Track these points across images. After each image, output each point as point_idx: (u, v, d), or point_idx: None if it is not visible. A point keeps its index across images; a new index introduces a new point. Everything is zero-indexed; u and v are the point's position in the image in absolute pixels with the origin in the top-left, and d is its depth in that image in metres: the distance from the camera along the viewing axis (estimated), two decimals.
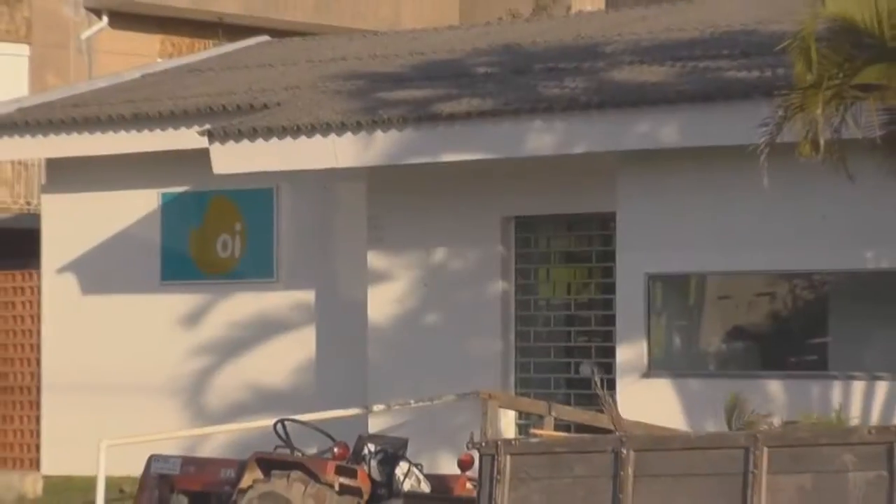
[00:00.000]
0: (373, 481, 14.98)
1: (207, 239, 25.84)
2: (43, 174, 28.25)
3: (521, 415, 19.75)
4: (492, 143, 21.79)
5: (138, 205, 26.10)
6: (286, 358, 24.83)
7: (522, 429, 19.79)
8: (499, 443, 13.97)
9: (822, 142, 16.78)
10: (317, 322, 24.84)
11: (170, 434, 22.30)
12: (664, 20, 25.77)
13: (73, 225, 26.65)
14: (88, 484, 21.05)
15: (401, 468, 15.25)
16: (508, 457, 13.72)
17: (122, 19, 35.83)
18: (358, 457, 15.20)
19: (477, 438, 14.46)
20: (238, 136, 23.31)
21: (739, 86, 20.53)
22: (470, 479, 14.28)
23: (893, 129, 17.59)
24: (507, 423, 15.52)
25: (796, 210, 19.68)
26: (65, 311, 26.80)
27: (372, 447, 15.33)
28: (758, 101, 18.90)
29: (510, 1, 36.91)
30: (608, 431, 14.65)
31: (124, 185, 26.00)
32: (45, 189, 27.78)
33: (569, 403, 19.40)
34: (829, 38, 17.08)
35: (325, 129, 22.74)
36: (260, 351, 25.10)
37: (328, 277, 24.66)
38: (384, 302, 23.47)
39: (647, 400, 20.02)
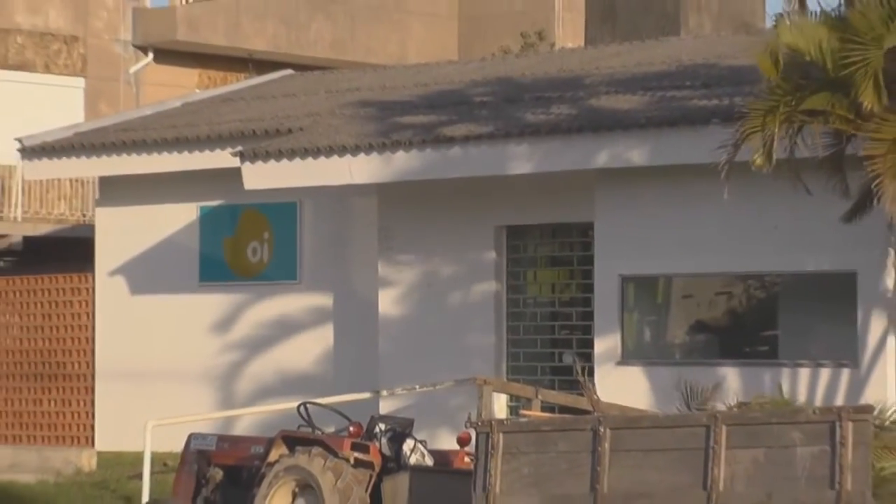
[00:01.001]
0: (383, 456, 14.97)
1: (239, 246, 25.83)
2: (97, 190, 28.26)
3: (512, 398, 19.70)
4: (486, 162, 21.78)
5: (179, 216, 26.12)
6: (307, 350, 24.83)
7: (513, 410, 19.75)
8: (493, 422, 14.03)
9: (774, 157, 16.88)
10: (334, 319, 24.81)
11: (207, 415, 22.38)
12: (636, 56, 25.74)
13: (122, 234, 26.65)
14: (136, 459, 21.07)
15: (407, 444, 15.24)
16: (501, 434, 13.80)
17: (165, 56, 35.81)
18: (370, 435, 15.19)
19: (474, 419, 14.50)
20: (266, 156, 23.35)
21: (701, 112, 20.50)
22: (468, 454, 14.29)
23: (836, 150, 17.66)
24: (500, 406, 15.56)
25: (751, 220, 19.67)
26: (115, 308, 26.80)
27: (382, 426, 15.32)
28: (717, 126, 18.87)
29: (502, 39, 36.89)
30: (587, 412, 14.71)
31: (167, 200, 25.99)
32: (99, 203, 27.78)
33: (553, 388, 19.43)
34: (781, 69, 17.16)
35: (342, 150, 22.77)
36: (284, 343, 25.09)
37: (344, 280, 24.65)
38: (393, 301, 23.49)
39: (621, 385, 20.03)
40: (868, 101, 16.33)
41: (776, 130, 16.91)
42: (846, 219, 18.09)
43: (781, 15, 17.70)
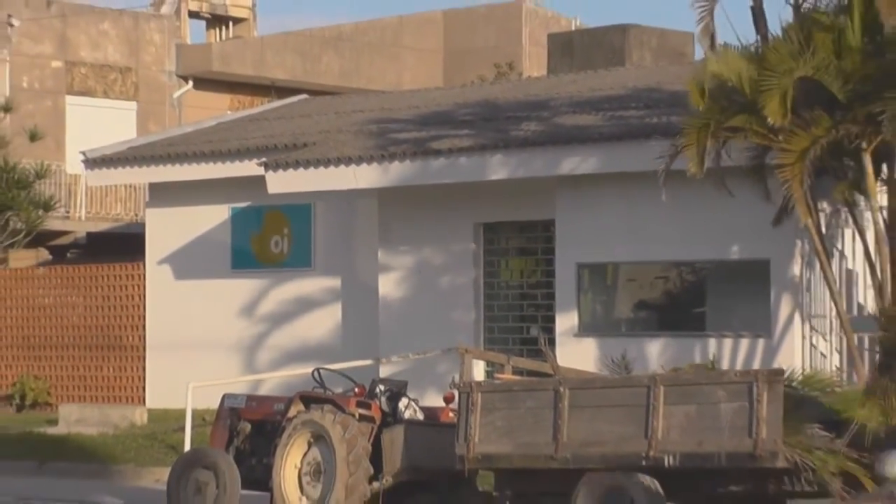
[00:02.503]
0: (382, 412, 14.92)
1: (264, 239, 25.78)
2: (146, 194, 28.20)
3: (488, 364, 19.69)
4: (467, 170, 21.79)
5: (214, 216, 26.07)
6: (320, 324, 24.78)
7: (489, 374, 19.75)
8: (472, 384, 14.05)
9: (704, 166, 16.91)
10: (342, 299, 24.75)
11: (237, 379, 22.38)
12: (589, 82, 25.75)
13: (167, 230, 26.61)
14: (180, 415, 21.11)
15: (402, 402, 15.17)
16: (479, 394, 13.81)
17: (203, 83, 35.80)
18: (371, 394, 15.14)
19: (457, 381, 14.48)
20: (286, 166, 23.32)
21: (644, 129, 20.50)
22: (452, 410, 14.26)
23: (754, 161, 17.70)
24: (478, 371, 15.56)
25: (685, 217, 19.63)
26: (162, 291, 26.75)
27: (382, 387, 15.26)
28: (657, 141, 18.86)
29: (479, 69, 36.86)
30: (550, 376, 14.70)
31: (204, 202, 25.98)
32: (149, 205, 27.70)
33: (522, 356, 19.38)
34: (709, 94, 17.18)
35: (348, 161, 22.74)
36: (301, 319, 25.05)
37: (350, 267, 24.60)
38: (391, 284, 23.43)
39: (577, 353, 20.01)
40: (778, 120, 16.38)
41: (706, 144, 16.95)
42: (774, 223, 18.14)
43: (710, 50, 17.73)
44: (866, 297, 18.90)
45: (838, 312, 18.07)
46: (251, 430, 15.75)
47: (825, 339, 19.47)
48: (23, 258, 30.22)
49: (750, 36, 17.59)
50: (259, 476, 15.32)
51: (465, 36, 39.86)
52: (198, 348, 25.09)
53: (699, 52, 19.67)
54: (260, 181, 23.56)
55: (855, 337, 17.76)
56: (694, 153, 16.93)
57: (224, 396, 16.36)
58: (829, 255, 17.94)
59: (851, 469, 12.38)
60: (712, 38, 17.67)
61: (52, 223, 30.22)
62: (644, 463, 12.78)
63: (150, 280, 27.08)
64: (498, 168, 21.58)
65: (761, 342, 19.74)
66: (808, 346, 19.47)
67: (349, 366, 18.26)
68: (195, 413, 20.09)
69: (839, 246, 19.13)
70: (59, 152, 32.12)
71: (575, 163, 20.85)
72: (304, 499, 14.85)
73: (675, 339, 20.30)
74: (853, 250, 18.75)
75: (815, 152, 16.40)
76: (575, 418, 13.08)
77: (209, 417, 17.23)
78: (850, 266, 19.26)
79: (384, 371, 21.25)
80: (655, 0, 73.69)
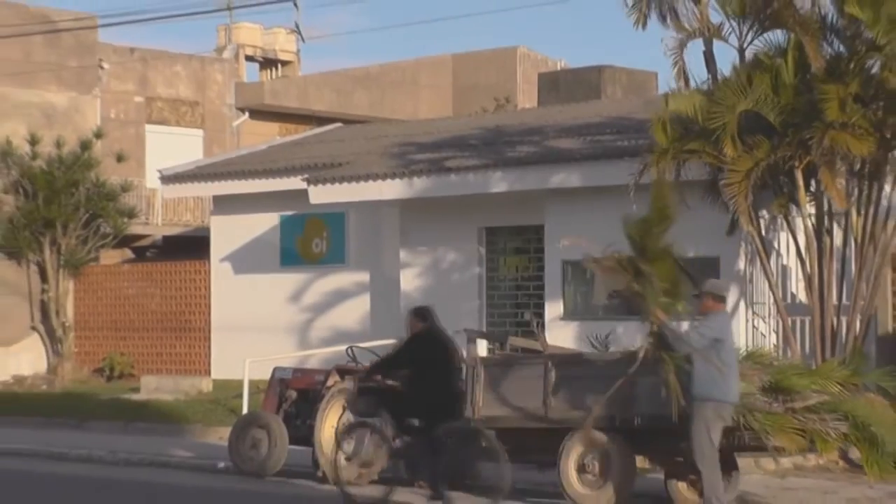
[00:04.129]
0: None
1: (307, 241, 25.81)
2: (211, 204, 28.27)
3: (490, 342, 19.77)
4: (473, 184, 21.81)
5: (266, 222, 26.08)
6: (352, 310, 24.81)
7: (491, 351, 19.80)
8: (478, 359, 14.08)
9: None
10: (370, 290, 24.76)
11: (285, 355, 22.32)
12: (572, 112, 25.75)
13: (228, 234, 26.66)
14: (238, 384, 21.14)
15: None
16: (483, 367, 13.85)
17: (257, 114, 35.79)
18: None
19: (465, 357, 14.49)
20: (324, 181, 23.38)
21: (617, 150, 20.51)
22: (460, 381, 14.22)
23: (707, 178, 17.70)
24: (481, 348, 15.60)
25: None
26: (223, 284, 26.80)
27: None
28: (628, 160, 18.85)
29: (482, 102, 36.87)
30: (540, 352, 14.72)
31: (258, 211, 26.01)
32: (213, 213, 27.76)
33: (517, 336, 19.39)
34: (669, 123, 17.20)
35: (375, 177, 22.79)
36: (337, 306, 25.09)
37: (377, 264, 24.64)
38: (410, 278, 23.44)
39: (563, 334, 20.02)
40: (727, 146, 16.41)
41: (668, 165, 16.96)
42: (728, 232, 18.13)
43: (686, 87, 17.73)
44: (798, 288, 18.89)
45: (775, 300, 18.10)
46: (296, 397, 15.78)
47: (765, 322, 19.46)
48: (111, 257, 30.29)
49: (702, 75, 17.65)
50: (303, 434, 15.34)
51: (471, 75, 39.85)
52: (252, 330, 25.13)
53: (662, 87, 19.67)
54: (303, 194, 23.61)
55: (789, 320, 17.79)
56: (659, 170, 16.95)
57: (274, 369, 16.40)
58: (767, 254, 17.97)
59: (786, 428, 12.38)
60: (685, 77, 17.66)
61: (135, 228, 30.31)
62: (617, 423, 12.79)
63: (213, 274, 27.13)
64: (498, 182, 21.61)
65: None
66: (751, 328, 19.45)
67: (376, 344, 18.25)
68: (251, 383, 20.13)
69: (776, 246, 19.13)
70: (140, 171, 32.17)
71: (561, 178, 20.89)
72: (340, 453, 14.85)
73: (640, 322, 20.23)
74: (787, 250, 18.74)
75: (757, 172, 16.44)
76: (560, 387, 13.10)
77: (262, 387, 17.26)
78: (784, 262, 19.26)
79: None
80: (625, 45, 73.85)
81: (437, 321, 13.82)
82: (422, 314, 13.94)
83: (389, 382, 14.03)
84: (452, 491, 13.03)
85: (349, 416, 14.71)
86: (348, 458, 14.23)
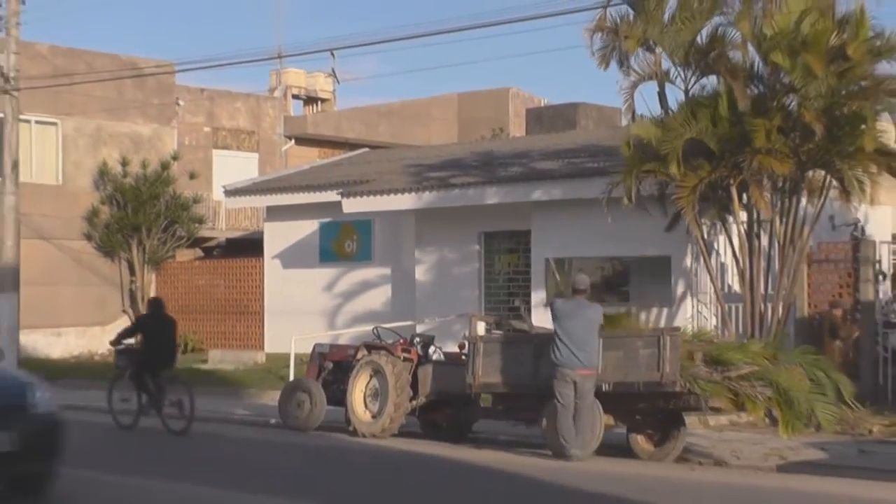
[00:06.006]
0: (418, 355, 14.96)
1: (340, 243, 25.79)
2: (265, 213, 28.28)
3: (487, 324, 19.77)
4: (473, 197, 21.77)
5: (308, 227, 26.04)
6: (377, 298, 24.77)
7: (488, 331, 19.81)
8: (477, 337, 14.11)
9: (632, 195, 16.90)
10: (392, 281, 24.71)
11: (323, 333, 22.42)
12: (553, 140, 25.71)
13: (278, 236, 26.67)
14: (286, 357, 21.14)
15: (431, 349, 15.17)
16: (482, 343, 13.86)
17: (301, 141, 35.71)
18: (411, 343, 15.19)
19: (467, 335, 14.51)
20: (355, 195, 23.38)
21: (589, 171, 20.49)
22: (464, 355, 14.30)
23: (662, 192, 17.67)
24: (480, 328, 15.64)
25: (615, 228, 19.37)
26: (274, 276, 26.78)
27: (417, 339, 15.28)
28: (599, 178, 18.85)
29: (481, 131, 36.81)
30: (527, 332, 14.73)
31: (302, 218, 25.97)
32: (266, 220, 27.71)
33: (509, 319, 19.41)
34: (632, 149, 17.19)
35: (396, 191, 22.80)
36: (365, 294, 25.07)
37: (397, 260, 24.63)
38: (423, 272, 23.42)
39: (546, 318, 19.94)
40: (675, 166, 16.39)
41: (631, 182, 16.96)
42: (667, 229, 18.14)
43: (632, 120, 17.70)
44: (733, 280, 18.87)
45: (715, 290, 18.08)
46: (333, 367, 15.80)
47: (707, 308, 19.43)
48: (185, 255, 30.31)
49: (656, 109, 17.66)
50: (338, 397, 15.35)
51: (472, 110, 39.81)
52: (297, 313, 25.16)
53: (625, 121, 19.64)
54: (338, 205, 23.62)
55: (726, 306, 17.78)
56: (623, 188, 16.96)
57: (315, 345, 16.42)
58: (709, 253, 17.95)
59: (722, 392, 12.41)
60: (633, 113, 17.67)
61: (204, 232, 30.26)
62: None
63: (266, 269, 27.11)
64: (492, 196, 21.60)
65: (665, 310, 19.73)
66: (696, 313, 19.44)
67: (396, 325, 18.31)
68: (296, 356, 20.15)
69: (716, 247, 19.13)
70: (208, 186, 32.15)
71: (544, 193, 20.87)
72: (367, 412, 14.89)
73: (608, 307, 20.14)
74: (725, 250, 18.73)
75: (701, 187, 16.44)
76: (544, 361, 13.10)
77: (305, 359, 17.28)
78: (722, 260, 19.25)
79: (419, 328, 21.30)
80: (596, 86, 73.75)
81: (161, 308, 16.44)
82: (150, 303, 16.97)
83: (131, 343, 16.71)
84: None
85: (375, 382, 14.75)
86: (374, 416, 14.40)
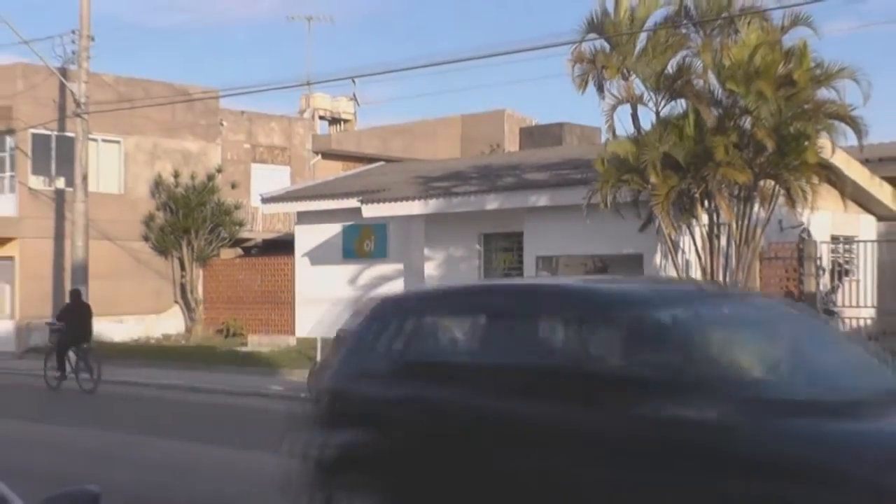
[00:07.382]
0: None
1: (361, 243, 25.79)
2: (296, 217, 28.31)
3: None
4: (473, 203, 21.76)
5: (333, 230, 25.97)
6: (392, 289, 24.61)
7: None
8: None
9: (609, 202, 16.86)
10: (404, 277, 24.60)
11: (346, 320, 22.37)
12: (543, 155, 25.66)
13: (307, 238, 26.65)
14: (314, 341, 21.19)
15: None
16: None
17: (327, 156, 35.70)
18: None
19: None
20: (373, 202, 23.37)
21: (573, 181, 20.40)
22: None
23: (636, 198, 17.61)
24: None
25: (595, 230, 19.39)
26: (304, 272, 26.75)
27: None
28: (581, 188, 18.73)
29: (480, 147, 36.84)
30: None
31: (327, 222, 25.92)
32: (297, 223, 27.67)
33: None
34: (608, 162, 17.16)
35: (407, 199, 22.79)
36: (381, 287, 24.70)
37: (409, 258, 24.61)
38: (432, 268, 23.39)
39: None
40: (654, 175, 16.38)
41: (607, 190, 16.93)
42: (640, 229, 18.11)
43: (613, 137, 17.64)
44: (697, 275, 18.85)
45: None
46: None
47: None
48: (227, 254, 30.38)
49: (630, 129, 17.62)
50: None
51: (473, 128, 39.81)
52: (323, 303, 25.18)
53: (604, 138, 19.66)
54: (358, 210, 23.59)
55: None
56: (602, 195, 16.94)
57: (338, 330, 16.33)
58: (676, 251, 17.93)
59: None
60: (613, 131, 17.64)
61: (244, 234, 30.41)
62: None
63: (297, 265, 27.08)
64: (490, 202, 21.56)
65: None
66: None
67: None
68: (322, 341, 20.16)
69: (682, 246, 19.10)
70: (247, 195, 32.21)
71: (534, 200, 20.86)
72: None
73: None
74: (689, 248, 18.70)
75: (671, 195, 16.42)
76: None
77: (330, 342, 17.24)
78: (687, 257, 19.22)
79: None
80: (579, 108, 73.69)
81: (80, 297, 18.48)
82: (71, 293, 18.69)
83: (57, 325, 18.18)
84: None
85: None
86: None
